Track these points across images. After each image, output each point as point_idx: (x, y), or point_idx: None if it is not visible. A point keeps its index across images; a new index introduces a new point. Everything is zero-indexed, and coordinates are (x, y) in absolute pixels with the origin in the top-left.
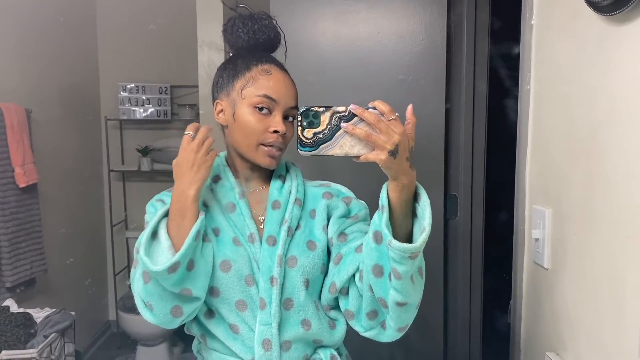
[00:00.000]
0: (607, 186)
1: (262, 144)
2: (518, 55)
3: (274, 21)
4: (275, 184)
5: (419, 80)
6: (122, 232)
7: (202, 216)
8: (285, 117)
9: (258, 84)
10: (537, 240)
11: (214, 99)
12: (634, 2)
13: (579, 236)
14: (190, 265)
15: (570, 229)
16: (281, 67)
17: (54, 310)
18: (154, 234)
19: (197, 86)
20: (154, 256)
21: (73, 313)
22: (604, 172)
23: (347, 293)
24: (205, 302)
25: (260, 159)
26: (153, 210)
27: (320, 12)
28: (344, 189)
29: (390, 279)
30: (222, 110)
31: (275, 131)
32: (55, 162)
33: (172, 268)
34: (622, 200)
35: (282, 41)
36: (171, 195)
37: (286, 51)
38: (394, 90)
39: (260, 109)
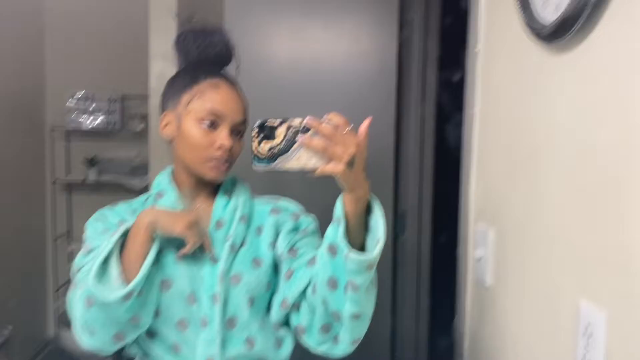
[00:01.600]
0: (544, 207)
1: (208, 160)
2: (464, 79)
3: (228, 35)
4: (220, 201)
5: (370, 99)
6: (64, 245)
7: (156, 244)
8: (232, 132)
9: (205, 97)
10: (480, 259)
11: (160, 112)
12: (573, 31)
13: (519, 255)
14: (141, 292)
15: (511, 248)
16: (231, 81)
17: None
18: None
19: (147, 96)
20: (104, 284)
21: (10, 327)
22: (542, 193)
23: (299, 308)
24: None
25: (206, 172)
26: (92, 231)
27: (275, 27)
28: (292, 204)
29: (346, 292)
30: (168, 124)
31: (221, 146)
32: None
33: (126, 297)
34: (557, 221)
35: (235, 56)
36: (112, 212)
37: (239, 66)
38: (346, 108)
39: (207, 123)
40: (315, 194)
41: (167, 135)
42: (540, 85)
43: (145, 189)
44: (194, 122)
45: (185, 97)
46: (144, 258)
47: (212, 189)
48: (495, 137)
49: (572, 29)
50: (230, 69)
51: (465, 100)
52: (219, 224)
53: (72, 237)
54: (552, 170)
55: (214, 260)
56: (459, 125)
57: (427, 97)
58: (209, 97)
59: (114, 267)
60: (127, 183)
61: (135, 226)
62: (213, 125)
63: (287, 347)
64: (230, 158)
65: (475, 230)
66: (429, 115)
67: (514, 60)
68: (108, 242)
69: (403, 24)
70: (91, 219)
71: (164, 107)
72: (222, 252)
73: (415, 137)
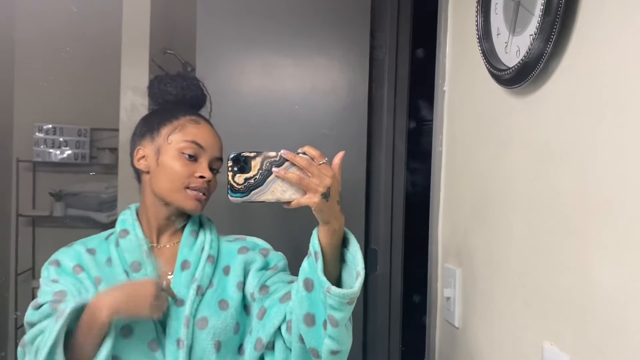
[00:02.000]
0: (508, 249)
1: (188, 187)
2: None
3: (201, 83)
4: (186, 240)
5: (341, 136)
6: (29, 281)
7: (111, 337)
8: (210, 168)
9: (186, 130)
10: (448, 298)
11: (133, 146)
12: (531, 77)
13: (486, 296)
14: None
15: (478, 289)
16: (208, 122)
17: None
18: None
19: (118, 129)
20: None
21: None
22: (505, 235)
23: (273, 347)
24: None
25: (185, 202)
26: (44, 280)
27: (246, 64)
28: (260, 241)
29: (325, 327)
30: (143, 157)
31: (202, 177)
32: None
33: None
34: (520, 263)
35: (208, 102)
36: (67, 256)
37: (211, 111)
38: (317, 145)
39: (188, 155)
40: (285, 228)
41: (142, 168)
42: (501, 128)
43: (112, 224)
44: (175, 152)
45: (165, 130)
46: (100, 345)
47: (179, 226)
48: (461, 177)
49: (532, 73)
50: (203, 113)
51: (433, 138)
52: (184, 265)
53: (36, 273)
54: (514, 213)
55: (179, 303)
56: (430, 161)
57: (398, 134)
58: (190, 131)
59: (59, 357)
60: (95, 217)
61: (90, 315)
62: (193, 157)
63: None
64: (208, 191)
65: (444, 270)
66: (400, 152)
67: (477, 101)
68: (51, 331)
69: (374, 61)
70: (46, 264)
71: (138, 141)
72: (188, 295)
73: (387, 173)
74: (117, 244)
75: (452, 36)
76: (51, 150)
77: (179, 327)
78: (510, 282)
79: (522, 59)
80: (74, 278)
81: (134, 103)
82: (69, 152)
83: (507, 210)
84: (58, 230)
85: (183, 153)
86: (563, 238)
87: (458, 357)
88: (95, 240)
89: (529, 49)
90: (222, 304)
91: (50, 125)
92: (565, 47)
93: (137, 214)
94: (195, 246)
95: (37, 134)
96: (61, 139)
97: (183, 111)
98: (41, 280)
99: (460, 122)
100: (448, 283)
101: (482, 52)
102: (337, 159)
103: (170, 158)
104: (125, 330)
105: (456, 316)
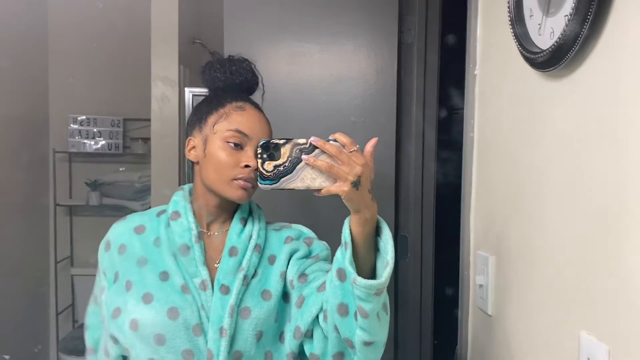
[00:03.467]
0: (543, 236)
1: (234, 179)
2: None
3: (252, 65)
4: (235, 228)
5: (370, 123)
6: (67, 269)
7: None
8: None
9: (231, 119)
10: (481, 286)
11: (186, 137)
12: (566, 59)
13: (520, 284)
14: None
15: (512, 276)
16: (257, 106)
17: None
18: None
19: (149, 119)
20: None
21: (7, 357)
22: (541, 222)
23: (312, 336)
24: (150, 350)
25: (232, 192)
26: (99, 259)
27: (274, 52)
28: (305, 230)
29: (356, 319)
30: (193, 147)
31: (247, 166)
32: None
33: None
34: (557, 250)
35: (260, 85)
36: (114, 236)
37: (263, 94)
38: (346, 132)
39: (233, 144)
40: (331, 215)
41: (192, 159)
42: (535, 112)
43: None
44: (220, 142)
45: (211, 119)
46: None
47: (229, 215)
48: (494, 162)
49: (567, 56)
50: (255, 98)
51: (464, 124)
52: (232, 251)
53: (74, 261)
54: (549, 200)
55: (225, 290)
56: (460, 149)
57: (428, 120)
58: (234, 119)
59: None
60: (129, 206)
61: None
62: (239, 146)
63: None
64: (255, 180)
65: (476, 257)
66: (430, 138)
67: (510, 85)
68: None
69: (402, 46)
70: (102, 242)
71: (189, 131)
72: (234, 283)
73: (417, 159)
74: (167, 225)
75: (483, 18)
76: (86, 140)
77: (223, 315)
78: (546, 270)
79: (556, 41)
80: (117, 259)
81: (164, 93)
82: (103, 142)
83: (542, 197)
84: (94, 219)
85: (228, 142)
86: (599, 226)
87: (492, 345)
88: (147, 216)
89: (564, 31)
90: (265, 294)
91: (85, 117)
92: (602, 28)
93: (190, 196)
94: (243, 234)
95: (71, 125)
96: (95, 130)
97: (230, 97)
98: (99, 258)
99: (492, 107)
100: (481, 270)
101: (515, 35)
102: (370, 146)
103: (216, 148)
104: (172, 313)
105: (489, 304)
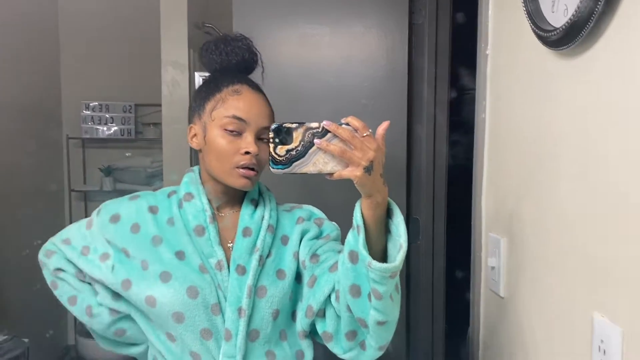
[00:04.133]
0: (556, 217)
1: (236, 167)
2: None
3: (249, 42)
4: (246, 209)
5: (381, 105)
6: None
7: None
8: (258, 138)
9: (227, 104)
10: (493, 268)
11: (188, 124)
12: (581, 37)
13: (532, 266)
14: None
15: (524, 258)
16: (254, 87)
17: (5, 337)
18: None
19: (160, 105)
20: None
21: (26, 340)
22: (553, 203)
23: (324, 315)
24: (168, 327)
25: (235, 181)
26: (100, 225)
27: (284, 35)
28: (316, 210)
29: (370, 299)
30: (195, 135)
31: (247, 152)
32: (12, 183)
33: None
34: (569, 231)
35: (259, 62)
36: (128, 211)
37: (263, 71)
38: (356, 114)
39: (231, 131)
40: (339, 197)
41: (195, 146)
42: (548, 92)
43: None
44: (218, 130)
45: (209, 106)
46: None
47: (239, 196)
48: (505, 144)
49: (581, 34)
50: (255, 76)
51: (476, 104)
52: (246, 232)
53: None
54: (562, 180)
55: (241, 271)
56: (472, 130)
57: (440, 101)
58: (231, 104)
59: None
60: (143, 190)
61: None
62: (238, 133)
63: (308, 359)
64: (257, 165)
65: (488, 239)
66: (442, 120)
67: (522, 64)
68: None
69: (413, 26)
70: (106, 211)
71: (190, 118)
72: (250, 264)
73: (428, 141)
74: (180, 206)
75: None
76: (98, 126)
77: (241, 296)
78: (559, 251)
79: (570, 18)
80: (128, 237)
81: (174, 78)
82: (115, 128)
83: (555, 177)
84: None
85: (226, 130)
86: (613, 206)
87: (504, 328)
88: (158, 196)
89: (578, 7)
90: (280, 274)
91: (97, 103)
92: (617, 4)
93: (200, 179)
94: (255, 215)
95: (84, 111)
96: (107, 116)
97: (227, 81)
98: (94, 224)
99: (504, 86)
100: (493, 252)
101: (527, 13)
102: (381, 129)
103: (215, 136)
104: (192, 291)
105: (501, 286)
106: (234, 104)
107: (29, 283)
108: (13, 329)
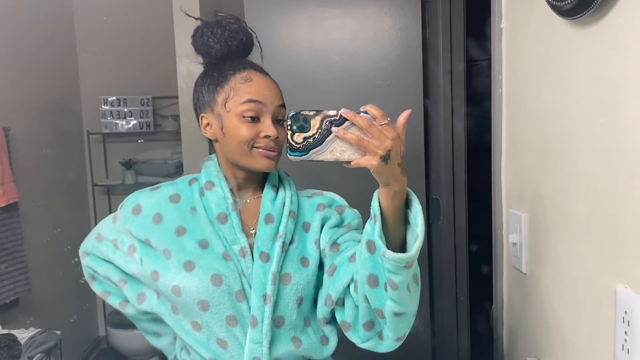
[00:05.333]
0: (576, 191)
1: (255, 147)
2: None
3: (243, 23)
4: (268, 195)
5: (396, 86)
6: None
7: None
8: (275, 121)
9: (240, 93)
10: (514, 244)
11: (197, 114)
12: (593, 6)
13: (554, 240)
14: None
15: (545, 233)
16: (260, 70)
17: (38, 330)
18: None
19: (177, 96)
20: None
21: (58, 332)
22: (574, 177)
23: (343, 304)
24: (194, 316)
25: (257, 162)
26: (124, 219)
27: (295, 19)
28: (337, 197)
29: (386, 290)
30: (208, 124)
31: (267, 136)
32: (37, 179)
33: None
34: (590, 205)
35: (256, 42)
36: (149, 202)
37: (261, 51)
38: (372, 96)
39: (250, 117)
40: (355, 186)
41: (210, 136)
42: (567, 62)
43: None
44: (237, 118)
45: (220, 98)
46: None
47: (259, 183)
48: (523, 119)
49: (594, 1)
50: (254, 57)
51: (492, 80)
52: (268, 219)
53: None
54: (580, 154)
55: (265, 258)
56: (489, 106)
57: (456, 79)
58: (244, 91)
59: None
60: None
61: None
62: (256, 117)
63: (332, 345)
64: (278, 147)
65: (509, 216)
66: (459, 99)
67: (538, 36)
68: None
69: (426, 4)
70: (129, 204)
71: (199, 109)
72: (274, 251)
73: (446, 120)
74: (201, 194)
75: None
76: (117, 121)
77: (266, 283)
78: (579, 226)
79: None
80: (150, 227)
81: (189, 68)
82: (134, 122)
83: (573, 151)
84: None
85: (244, 117)
86: (632, 178)
87: (527, 303)
88: (179, 184)
89: None
90: (304, 261)
91: (115, 97)
92: None
93: (220, 167)
94: (277, 201)
95: (103, 106)
96: (126, 110)
97: (232, 69)
98: (118, 218)
99: (520, 60)
100: (514, 229)
101: None
102: (402, 117)
103: (233, 125)
104: (216, 279)
105: (523, 262)
106: (246, 89)
107: (59, 276)
108: (45, 321)
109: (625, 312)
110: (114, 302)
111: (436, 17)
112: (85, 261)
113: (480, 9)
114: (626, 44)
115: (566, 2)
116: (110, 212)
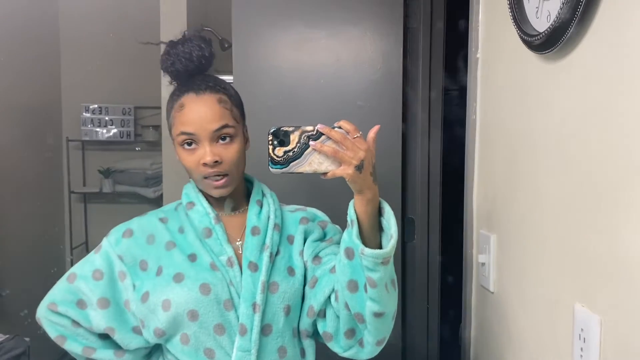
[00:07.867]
0: (541, 213)
1: (204, 177)
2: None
3: (194, 42)
4: (253, 209)
5: (377, 107)
6: (83, 255)
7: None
8: (220, 138)
9: (177, 122)
10: (483, 264)
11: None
12: (561, 42)
13: (520, 261)
14: None
15: (512, 254)
16: (199, 89)
17: (7, 336)
18: None
19: (160, 107)
20: None
21: (27, 339)
22: (539, 200)
23: (325, 315)
24: (183, 327)
25: (210, 191)
26: (114, 242)
27: (281, 38)
28: (319, 213)
29: (365, 290)
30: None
31: (205, 164)
32: (13, 184)
33: None
34: (554, 227)
35: (212, 52)
36: (144, 229)
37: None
38: (352, 116)
39: (188, 144)
40: (330, 201)
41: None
42: (534, 94)
43: (159, 199)
44: (178, 147)
45: (171, 124)
46: None
47: (241, 197)
48: (495, 144)
49: (562, 38)
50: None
51: (467, 106)
52: (254, 231)
53: (89, 246)
54: (546, 178)
55: (254, 268)
56: (463, 132)
57: (433, 104)
58: (178, 122)
59: None
60: (142, 192)
61: None
62: (193, 144)
63: (310, 358)
64: (225, 168)
65: (479, 237)
66: (435, 124)
67: (511, 67)
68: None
69: (408, 30)
70: (118, 232)
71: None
72: (262, 261)
73: (423, 143)
74: (186, 215)
75: (485, 1)
76: (98, 129)
77: (255, 292)
78: (543, 246)
79: (552, 24)
80: (145, 248)
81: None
82: (115, 130)
83: (539, 175)
84: (108, 206)
85: (182, 145)
86: (594, 201)
87: (493, 321)
88: (166, 210)
89: (559, 14)
90: (290, 271)
91: (97, 105)
92: (593, 14)
93: (198, 188)
94: (262, 214)
95: (84, 113)
96: (107, 118)
97: (175, 95)
98: (103, 245)
99: (493, 90)
100: (483, 249)
101: (514, 18)
102: (372, 132)
103: (179, 152)
104: (205, 288)
105: (491, 281)
106: (180, 119)
107: (29, 283)
108: (15, 328)
109: (582, 330)
110: (107, 355)
111: (417, 44)
112: (54, 317)
113: (458, 40)
114: (590, 78)
115: (536, 38)
116: (86, 220)
